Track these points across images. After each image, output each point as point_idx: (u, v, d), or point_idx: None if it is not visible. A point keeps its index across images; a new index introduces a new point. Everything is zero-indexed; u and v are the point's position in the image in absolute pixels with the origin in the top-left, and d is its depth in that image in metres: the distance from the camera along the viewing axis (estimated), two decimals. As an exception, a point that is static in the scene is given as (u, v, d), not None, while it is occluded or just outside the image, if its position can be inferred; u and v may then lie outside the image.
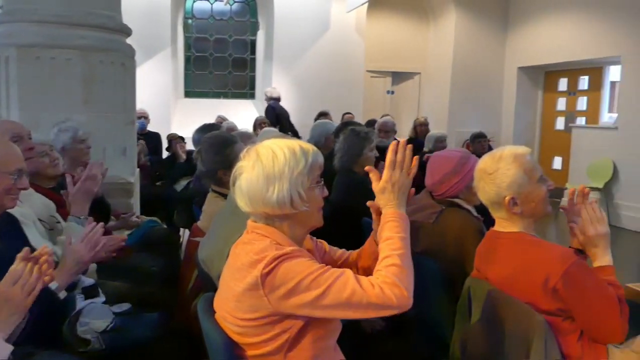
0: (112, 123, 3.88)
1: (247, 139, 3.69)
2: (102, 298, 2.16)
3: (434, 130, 6.62)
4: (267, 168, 1.50)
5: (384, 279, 1.44)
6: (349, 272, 1.46)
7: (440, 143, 5.88)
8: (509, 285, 1.88)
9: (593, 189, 7.69)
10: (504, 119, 10.52)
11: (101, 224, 2.16)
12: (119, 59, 3.90)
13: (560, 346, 1.81)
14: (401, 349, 2.36)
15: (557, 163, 9.76)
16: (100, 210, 2.94)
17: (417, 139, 6.75)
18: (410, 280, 1.47)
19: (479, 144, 6.16)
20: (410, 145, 1.64)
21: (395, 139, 6.26)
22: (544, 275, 1.79)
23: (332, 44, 9.89)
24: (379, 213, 1.67)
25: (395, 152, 1.64)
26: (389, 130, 6.00)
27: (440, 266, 2.25)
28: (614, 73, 8.84)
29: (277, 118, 7.99)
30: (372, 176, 1.65)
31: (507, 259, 1.93)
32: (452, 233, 2.31)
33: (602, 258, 1.97)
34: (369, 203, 1.71)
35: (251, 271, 1.45)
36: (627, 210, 7.53)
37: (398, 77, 11.26)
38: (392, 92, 11.29)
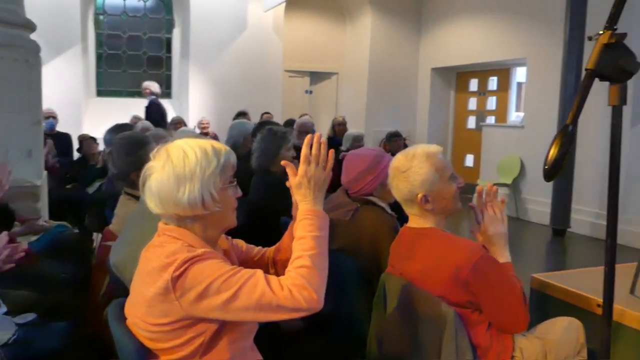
0: (16, 123, 3.68)
1: (161, 139, 3.60)
2: (3, 309, 2.05)
3: (352, 130, 6.71)
4: (177, 168, 1.47)
5: (293, 280, 1.42)
6: (259, 274, 1.44)
7: (357, 142, 5.96)
8: (422, 280, 1.94)
9: (502, 184, 8.07)
10: (418, 118, 10.84)
11: (4, 233, 2.04)
12: (23, 56, 3.70)
13: (470, 337, 1.88)
14: (320, 347, 2.37)
15: (469, 160, 10.16)
16: (3, 217, 2.78)
17: (336, 138, 6.82)
18: (320, 282, 1.44)
19: (395, 143, 6.31)
20: (324, 140, 1.63)
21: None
22: (455, 269, 1.86)
23: (249, 43, 9.83)
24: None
25: (311, 147, 1.61)
26: (308, 131, 6.02)
27: (356, 263, 2.28)
28: (520, 74, 9.31)
29: (162, 116, 7.43)
30: (289, 171, 1.62)
31: (420, 254, 1.99)
32: (367, 230, 2.35)
33: (501, 256, 2.06)
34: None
35: (162, 275, 1.41)
36: (533, 204, 7.94)
37: (316, 77, 11.35)
38: (311, 92, 11.37)
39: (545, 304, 3.20)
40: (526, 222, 7.90)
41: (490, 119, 9.73)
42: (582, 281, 3.20)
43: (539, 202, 7.79)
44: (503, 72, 9.51)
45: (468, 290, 1.86)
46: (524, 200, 8.12)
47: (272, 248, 1.86)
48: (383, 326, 2.07)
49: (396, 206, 2.24)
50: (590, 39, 1.14)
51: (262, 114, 8.34)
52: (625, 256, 3.15)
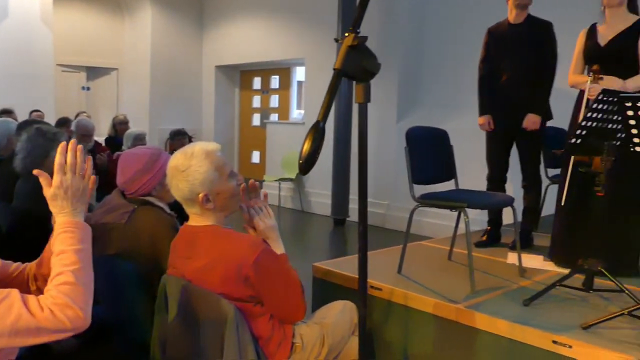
0: None
1: None
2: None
3: (134, 128, 6.43)
4: None
5: (54, 300, 1.31)
6: (14, 294, 1.30)
7: (139, 141, 5.72)
8: (204, 278, 1.92)
9: (287, 179, 8.41)
10: (205, 116, 10.79)
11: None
12: None
13: (252, 329, 1.92)
14: (102, 358, 2.24)
15: (256, 157, 10.40)
16: None
17: (117, 138, 6.49)
18: (86, 298, 1.36)
19: (179, 142, 6.16)
20: (80, 146, 1.53)
21: (96, 141, 5.92)
22: (236, 265, 1.87)
23: (13, 33, 8.85)
24: None
25: (65, 154, 1.50)
26: (90, 134, 5.63)
27: (135, 267, 2.19)
28: (300, 73, 9.77)
29: None
30: (43, 181, 1.50)
31: (201, 252, 1.97)
32: (145, 232, 2.27)
33: (276, 248, 2.11)
34: None
35: None
36: (315, 197, 8.41)
37: (94, 72, 10.67)
38: (88, 89, 10.66)
39: (327, 290, 3.40)
40: (310, 214, 8.33)
41: (274, 117, 10.06)
42: (357, 266, 3.48)
43: (320, 194, 8.26)
44: (284, 71, 9.89)
45: (250, 284, 1.89)
46: (307, 194, 8.56)
47: (33, 262, 1.69)
48: (166, 330, 2.02)
49: (176, 205, 2.19)
50: (336, 41, 1.23)
51: (31, 112, 7.59)
52: (397, 240, 3.49)
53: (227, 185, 2.02)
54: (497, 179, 4.21)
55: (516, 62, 4.02)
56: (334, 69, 1.19)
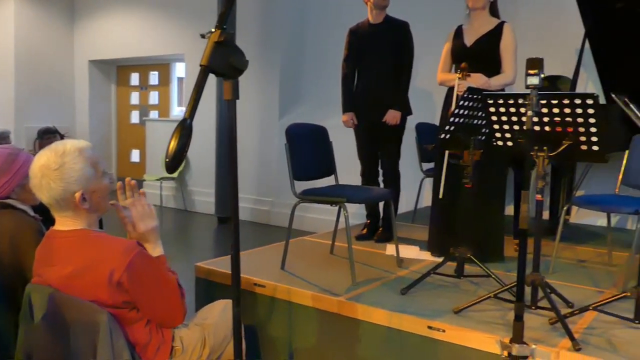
0: None
1: None
2: None
3: (-3, 127, 5.96)
4: None
5: None
6: None
7: (3, 140, 5.33)
8: (72, 286, 1.80)
9: (168, 178, 8.18)
10: (78, 113, 10.19)
11: None
12: None
13: (127, 336, 1.84)
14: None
15: (135, 156, 10.01)
16: None
17: (-24, 137, 5.97)
18: None
19: (48, 141, 5.78)
20: None
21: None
22: (109, 270, 1.78)
23: None
24: None
25: None
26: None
27: (-4, 277, 2.03)
28: (180, 69, 9.52)
29: None
30: None
31: (70, 258, 1.84)
32: (6, 237, 2.09)
33: (154, 250, 2.05)
34: None
35: None
36: (199, 195, 8.24)
37: (-51, 66, 9.73)
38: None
39: (210, 290, 3.35)
40: (193, 213, 8.16)
41: (154, 114, 9.73)
42: (241, 263, 3.44)
43: (204, 193, 8.12)
44: (163, 66, 9.59)
45: (124, 290, 1.81)
46: (191, 192, 8.37)
47: None
48: (32, 342, 1.88)
49: (41, 208, 2.04)
50: (203, 36, 1.20)
51: None
52: (282, 236, 3.51)
53: (102, 183, 1.92)
54: (369, 173, 4.39)
55: (376, 61, 4.22)
56: (200, 65, 1.17)
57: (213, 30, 1.17)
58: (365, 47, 4.27)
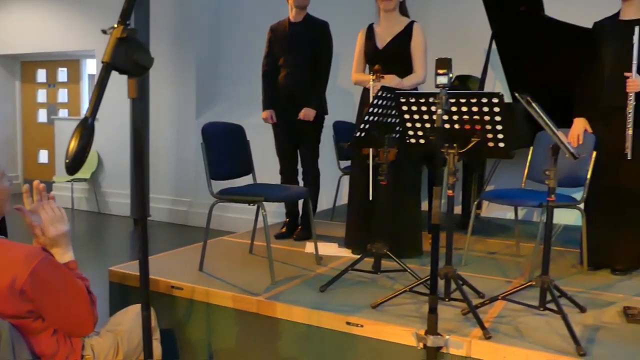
0: None
1: None
2: None
3: None
4: None
5: None
6: None
7: None
8: (-30, 296, 1.70)
9: (81, 179, 7.85)
10: (-21, 112, 9.60)
11: None
12: None
13: (32, 347, 1.75)
14: None
15: (44, 157, 9.52)
16: None
17: None
18: None
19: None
20: None
21: None
22: (9, 279, 1.68)
23: None
24: None
25: None
26: None
27: None
28: (91, 66, 9.14)
29: None
30: None
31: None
32: None
33: (65, 255, 1.96)
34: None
35: None
36: (113, 197, 7.96)
37: None
38: None
39: (125, 295, 3.24)
40: (108, 216, 7.87)
41: (64, 112, 9.29)
42: (158, 266, 3.36)
43: (118, 194, 7.85)
44: (73, 63, 9.17)
45: (27, 299, 1.71)
46: (104, 194, 8.07)
47: None
48: None
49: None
50: (104, 32, 1.15)
51: None
52: (201, 237, 3.44)
53: (3, 185, 1.82)
54: (288, 172, 4.40)
55: (295, 59, 4.25)
56: (102, 62, 1.12)
57: (115, 26, 1.13)
58: (284, 45, 4.28)
